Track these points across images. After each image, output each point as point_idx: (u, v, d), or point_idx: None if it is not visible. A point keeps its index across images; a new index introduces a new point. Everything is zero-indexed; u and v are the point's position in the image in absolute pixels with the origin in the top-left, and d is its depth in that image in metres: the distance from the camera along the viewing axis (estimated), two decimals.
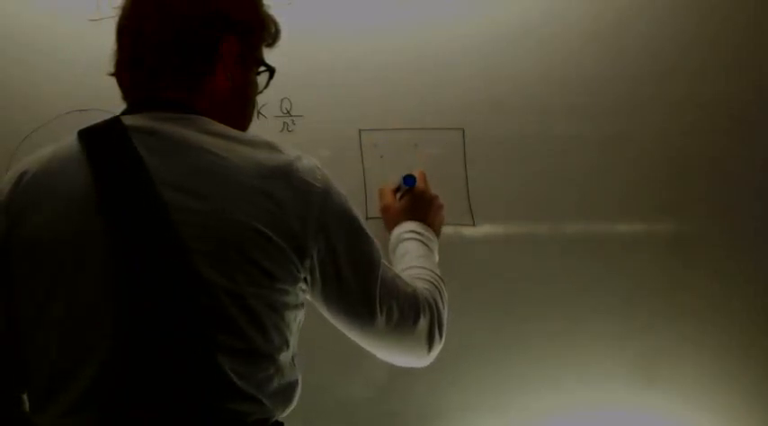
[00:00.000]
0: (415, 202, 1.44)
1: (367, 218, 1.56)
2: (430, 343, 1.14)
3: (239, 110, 1.11)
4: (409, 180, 1.46)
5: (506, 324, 1.55)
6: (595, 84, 1.54)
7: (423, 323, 1.12)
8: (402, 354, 1.15)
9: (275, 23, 1.14)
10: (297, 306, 1.03)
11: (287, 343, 1.02)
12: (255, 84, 1.14)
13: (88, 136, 1.01)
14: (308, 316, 1.09)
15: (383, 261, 1.09)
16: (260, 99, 1.18)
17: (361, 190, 1.58)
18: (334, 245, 1.02)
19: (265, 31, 1.12)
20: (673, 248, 1.52)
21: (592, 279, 1.53)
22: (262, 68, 1.13)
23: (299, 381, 1.06)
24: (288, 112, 1.61)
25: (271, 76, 1.15)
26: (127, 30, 1.06)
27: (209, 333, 0.93)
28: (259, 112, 1.59)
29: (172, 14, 1.02)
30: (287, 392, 1.03)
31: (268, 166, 0.99)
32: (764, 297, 1.49)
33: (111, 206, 0.95)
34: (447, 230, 1.51)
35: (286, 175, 0.99)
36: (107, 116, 1.06)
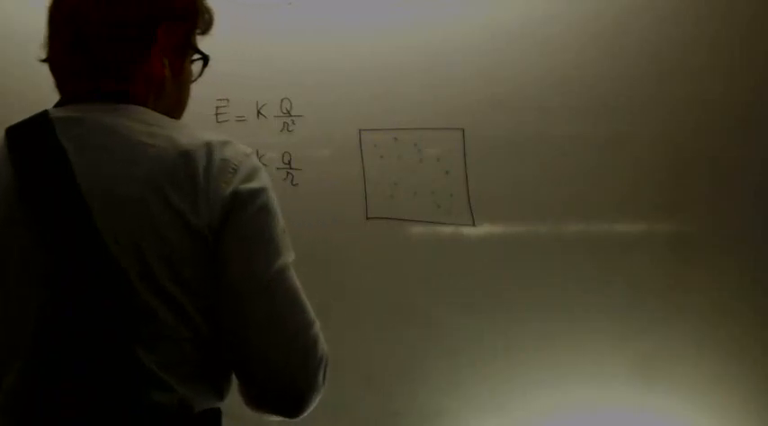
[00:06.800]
0: None
1: (367, 218, 1.56)
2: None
3: (175, 97, 1.12)
4: None
5: (506, 324, 1.55)
6: (595, 83, 1.54)
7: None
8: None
9: (209, 11, 1.15)
10: (217, 291, 0.98)
11: (209, 330, 1.01)
12: (190, 72, 1.14)
13: (13, 131, 1.03)
14: None
15: (289, 261, 1.00)
16: (260, 99, 1.18)
17: (361, 190, 1.58)
18: (238, 226, 0.97)
19: (199, 17, 1.13)
20: (673, 248, 1.52)
21: (592, 279, 1.53)
22: (196, 56, 1.14)
23: (230, 370, 1.01)
24: (288, 112, 1.61)
25: (205, 64, 1.15)
26: (66, 15, 1.05)
27: (128, 324, 0.94)
28: (259, 112, 1.59)
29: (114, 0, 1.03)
30: (215, 380, 1.02)
31: (188, 147, 0.98)
32: (764, 297, 1.49)
33: (30, 199, 0.97)
34: (447, 230, 1.51)
35: (202, 156, 0.98)
36: None
